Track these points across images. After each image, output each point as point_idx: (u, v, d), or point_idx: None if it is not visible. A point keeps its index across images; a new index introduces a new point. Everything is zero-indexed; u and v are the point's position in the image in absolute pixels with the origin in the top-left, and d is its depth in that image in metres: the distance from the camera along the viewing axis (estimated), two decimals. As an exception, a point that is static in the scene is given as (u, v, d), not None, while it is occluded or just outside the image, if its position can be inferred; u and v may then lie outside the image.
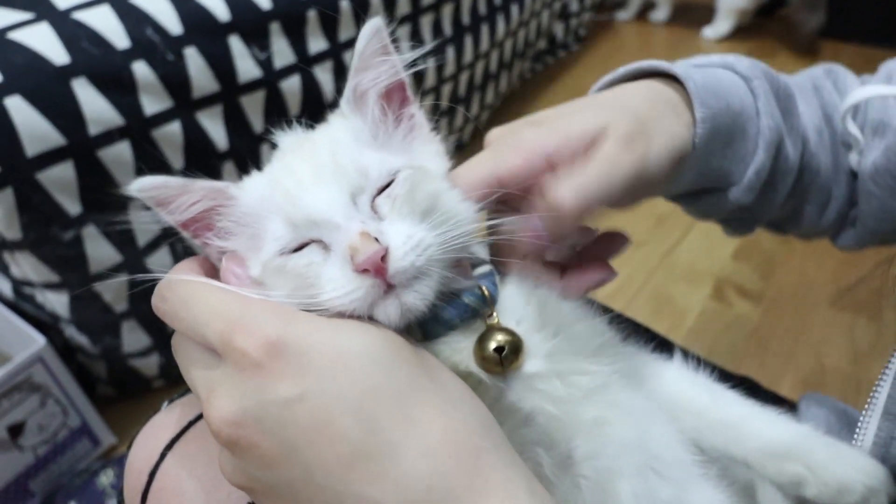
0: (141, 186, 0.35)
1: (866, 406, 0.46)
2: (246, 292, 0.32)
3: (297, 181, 0.36)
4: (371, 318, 0.33)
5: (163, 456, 0.41)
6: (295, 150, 0.41)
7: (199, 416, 0.42)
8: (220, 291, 0.32)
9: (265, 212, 0.37)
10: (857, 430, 0.46)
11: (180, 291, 0.32)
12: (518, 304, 0.40)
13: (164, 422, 0.43)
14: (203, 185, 0.37)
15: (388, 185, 0.37)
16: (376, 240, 0.32)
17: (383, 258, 0.32)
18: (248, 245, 0.37)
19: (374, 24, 0.39)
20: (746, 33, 2.54)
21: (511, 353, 0.37)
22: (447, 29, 1.54)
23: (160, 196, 0.36)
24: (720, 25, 2.53)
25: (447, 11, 1.51)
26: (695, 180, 0.49)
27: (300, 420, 0.28)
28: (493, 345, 0.37)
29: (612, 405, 0.41)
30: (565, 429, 0.38)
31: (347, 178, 0.36)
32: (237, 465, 0.30)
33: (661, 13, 2.75)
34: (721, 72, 0.51)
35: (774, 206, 0.54)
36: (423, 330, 0.37)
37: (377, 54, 0.39)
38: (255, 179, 0.40)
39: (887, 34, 2.30)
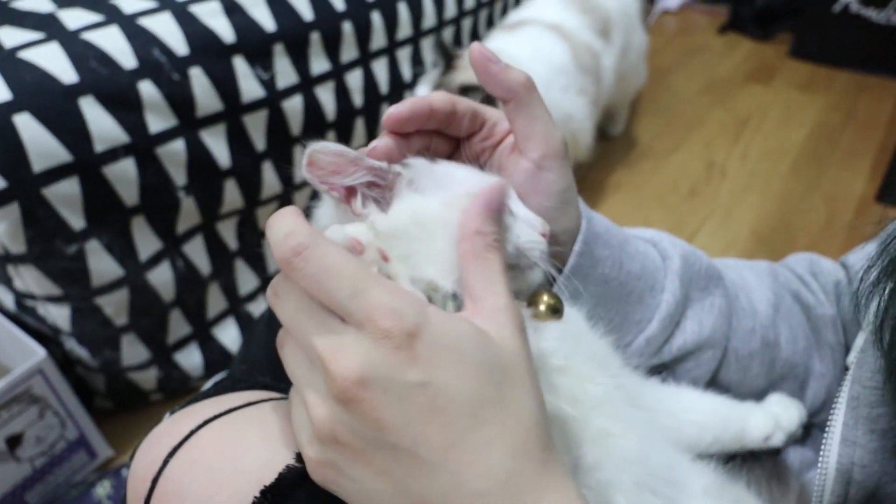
0: (321, 148, 0.39)
1: (825, 433, 0.48)
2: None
3: None
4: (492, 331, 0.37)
5: (165, 463, 0.42)
6: None
7: (200, 426, 0.44)
8: (363, 267, 0.35)
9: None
10: (820, 457, 0.48)
11: (326, 258, 0.34)
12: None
13: (167, 431, 0.44)
14: (371, 163, 0.42)
15: None
16: None
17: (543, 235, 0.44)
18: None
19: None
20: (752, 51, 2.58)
21: (554, 310, 0.43)
22: (447, 51, 1.57)
23: (332, 161, 0.40)
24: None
25: (447, 34, 1.54)
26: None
27: (419, 402, 0.33)
28: (545, 296, 0.43)
29: (616, 418, 0.43)
30: (575, 436, 0.41)
31: None
32: (342, 419, 0.34)
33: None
34: (638, 241, 0.53)
35: (703, 375, 0.56)
36: None
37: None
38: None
39: (880, 61, 2.34)
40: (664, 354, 0.53)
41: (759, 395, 0.58)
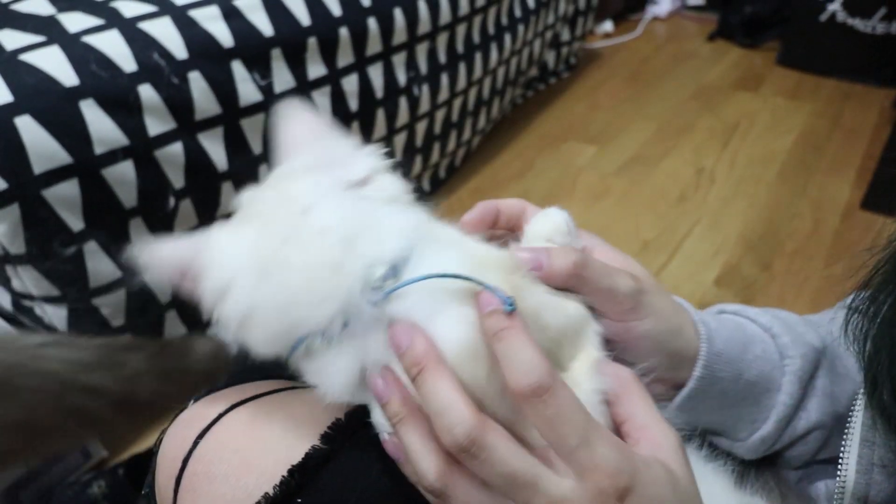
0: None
1: (845, 433, 0.48)
2: None
3: None
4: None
5: (195, 444, 0.44)
6: None
7: (228, 410, 0.45)
8: (591, 417, 0.36)
9: None
10: (840, 458, 0.48)
11: (563, 403, 0.35)
12: None
13: (196, 415, 0.46)
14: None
15: None
16: None
17: None
18: None
19: None
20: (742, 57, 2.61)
21: None
22: (442, 57, 1.58)
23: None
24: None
25: (442, 40, 1.56)
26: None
27: None
28: None
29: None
30: None
31: None
32: None
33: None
34: (756, 342, 0.52)
35: (810, 451, 0.55)
36: None
37: None
38: None
39: (865, 70, 2.38)
40: (775, 446, 0.53)
41: None
